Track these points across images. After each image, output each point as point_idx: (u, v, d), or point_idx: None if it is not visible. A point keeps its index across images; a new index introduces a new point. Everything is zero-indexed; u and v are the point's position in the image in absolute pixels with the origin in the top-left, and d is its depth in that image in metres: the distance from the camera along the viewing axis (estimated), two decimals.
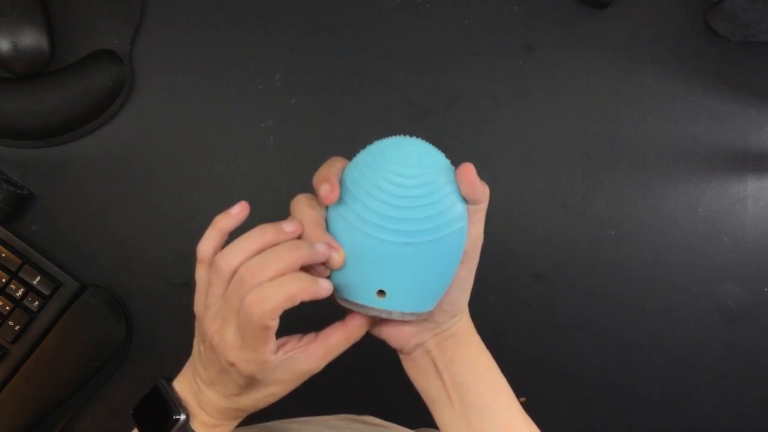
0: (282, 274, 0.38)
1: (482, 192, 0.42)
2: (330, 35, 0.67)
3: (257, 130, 0.67)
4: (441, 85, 0.67)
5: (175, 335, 0.67)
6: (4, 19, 0.62)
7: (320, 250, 0.39)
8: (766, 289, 0.67)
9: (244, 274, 0.38)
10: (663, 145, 0.67)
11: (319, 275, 0.40)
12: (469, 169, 0.40)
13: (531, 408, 0.47)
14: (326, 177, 0.41)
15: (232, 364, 0.39)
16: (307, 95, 0.67)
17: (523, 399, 0.65)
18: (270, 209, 0.66)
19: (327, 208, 0.42)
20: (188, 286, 0.66)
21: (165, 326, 0.67)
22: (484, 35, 0.67)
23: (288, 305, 0.37)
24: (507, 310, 0.67)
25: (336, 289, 0.41)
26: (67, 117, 0.64)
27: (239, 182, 0.66)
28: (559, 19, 0.67)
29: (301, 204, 0.42)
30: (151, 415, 0.44)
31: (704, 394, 0.68)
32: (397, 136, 0.42)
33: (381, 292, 0.41)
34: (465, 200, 0.41)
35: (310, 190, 0.44)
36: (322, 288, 0.39)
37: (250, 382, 0.41)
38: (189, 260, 0.66)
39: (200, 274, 0.42)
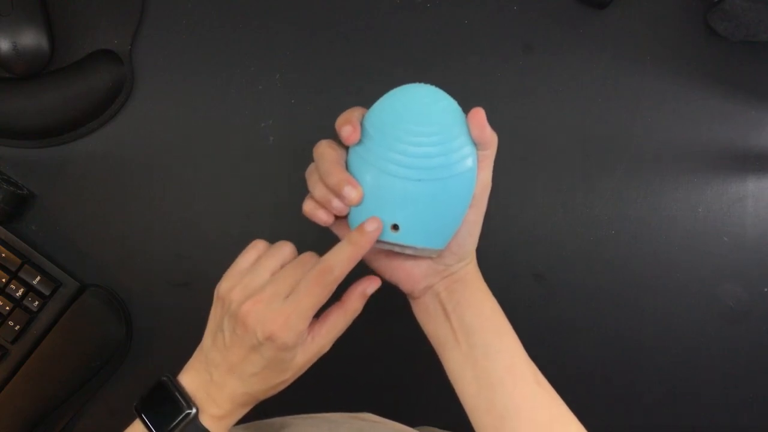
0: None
1: (490, 135, 0.44)
2: (330, 35, 0.67)
3: (257, 130, 0.67)
4: (441, 85, 0.67)
5: (175, 335, 0.67)
6: (4, 19, 0.62)
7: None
8: (766, 289, 0.67)
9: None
10: (663, 145, 0.67)
11: (339, 213, 0.44)
12: (479, 111, 0.43)
13: None
14: (348, 119, 0.44)
15: (269, 337, 0.41)
16: (307, 95, 0.67)
17: None
18: (270, 209, 0.67)
19: (347, 149, 0.45)
20: (188, 286, 0.66)
21: (165, 326, 0.67)
22: (484, 35, 0.67)
23: (355, 263, 0.43)
24: (507, 310, 0.67)
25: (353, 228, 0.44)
26: (67, 117, 0.64)
27: (239, 182, 0.66)
28: (559, 19, 0.67)
29: (322, 146, 0.45)
30: (157, 410, 0.44)
31: (704, 394, 0.68)
32: (414, 83, 0.45)
33: (395, 227, 0.43)
34: (475, 145, 0.44)
35: None
36: (370, 232, 0.43)
37: (277, 360, 0.42)
38: (189, 260, 0.67)
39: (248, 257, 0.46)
